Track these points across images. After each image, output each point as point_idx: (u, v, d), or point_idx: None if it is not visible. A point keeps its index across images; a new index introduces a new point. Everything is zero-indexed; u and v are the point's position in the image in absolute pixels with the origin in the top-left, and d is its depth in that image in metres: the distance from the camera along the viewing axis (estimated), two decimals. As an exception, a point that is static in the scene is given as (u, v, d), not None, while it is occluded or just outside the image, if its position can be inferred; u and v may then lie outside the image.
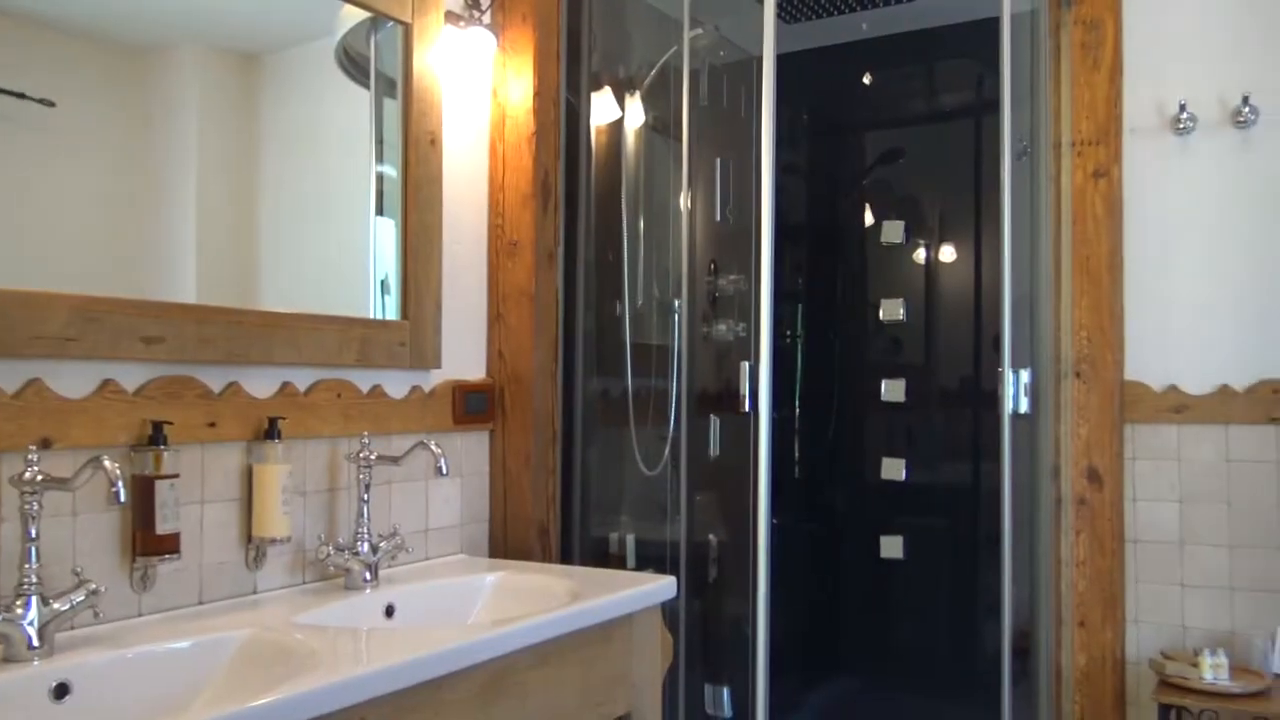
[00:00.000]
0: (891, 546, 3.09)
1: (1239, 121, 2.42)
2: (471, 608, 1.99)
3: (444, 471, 1.93)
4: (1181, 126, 2.47)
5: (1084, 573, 2.49)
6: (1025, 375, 2.30)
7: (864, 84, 3.74)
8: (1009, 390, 2.27)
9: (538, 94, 2.41)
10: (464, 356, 2.36)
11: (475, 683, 1.52)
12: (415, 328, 2.16)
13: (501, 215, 2.43)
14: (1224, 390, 2.43)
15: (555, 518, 2.43)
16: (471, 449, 2.36)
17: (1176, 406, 2.47)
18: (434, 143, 2.21)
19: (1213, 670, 2.24)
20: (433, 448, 1.94)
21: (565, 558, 2.49)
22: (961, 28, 3.21)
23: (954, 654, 3.48)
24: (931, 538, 3.46)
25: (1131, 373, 2.52)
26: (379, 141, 2.14)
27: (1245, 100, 2.40)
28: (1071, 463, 2.51)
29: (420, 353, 2.17)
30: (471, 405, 2.33)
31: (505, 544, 2.38)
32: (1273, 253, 2.40)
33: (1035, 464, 2.51)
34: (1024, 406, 2.30)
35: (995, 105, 2.31)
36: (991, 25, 2.28)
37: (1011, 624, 2.23)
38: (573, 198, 2.56)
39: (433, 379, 2.24)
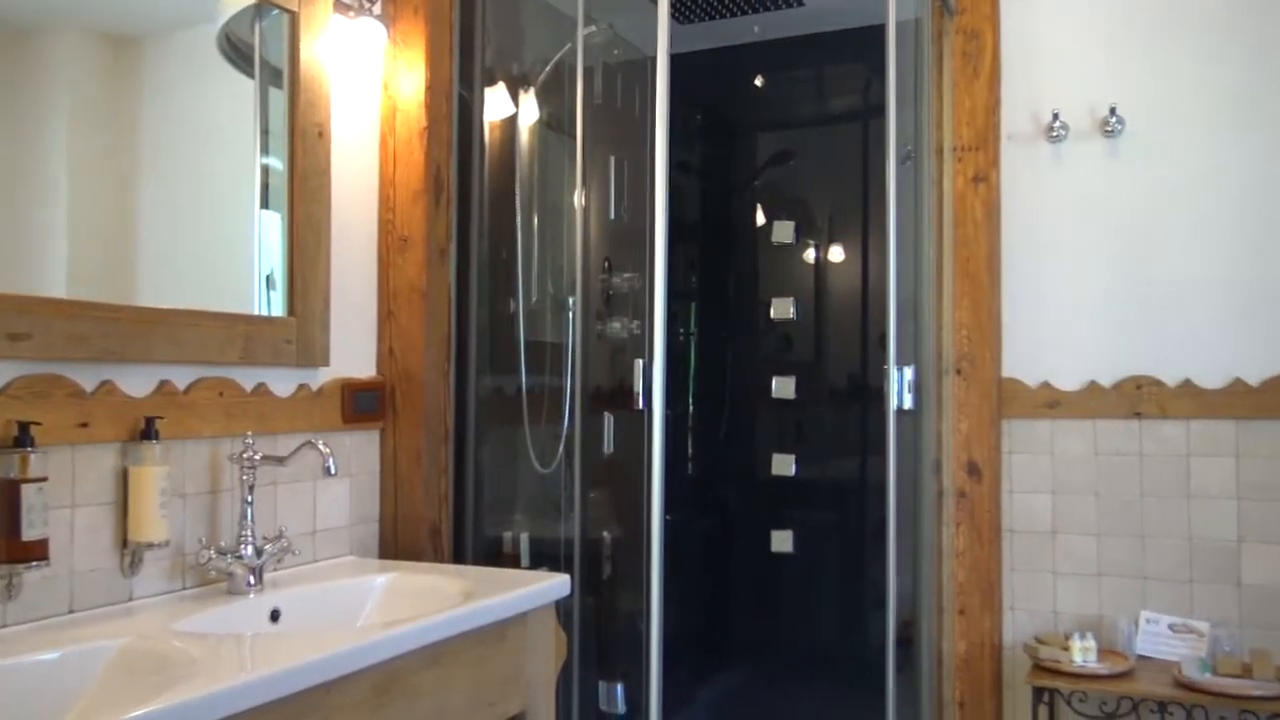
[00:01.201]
0: (782, 541, 3.15)
1: (1107, 131, 2.54)
2: (361, 610, 1.95)
3: (332, 471, 1.89)
4: (1054, 134, 2.58)
5: (964, 563, 2.59)
6: (909, 372, 2.37)
7: (756, 86, 3.80)
8: (894, 387, 2.33)
9: (430, 88, 2.38)
10: (353, 354, 2.32)
11: (365, 686, 1.49)
12: (302, 324, 2.11)
13: (392, 210, 2.38)
14: (1093, 386, 2.56)
15: (448, 517, 2.40)
16: (361, 448, 2.31)
17: (1050, 402, 2.59)
18: (322, 135, 2.16)
19: (1082, 653, 2.35)
20: (320, 447, 1.89)
21: (458, 557, 2.46)
22: (850, 33, 3.29)
23: (841, 644, 3.57)
24: (820, 531, 3.55)
25: (1008, 370, 2.63)
26: (264, 132, 2.08)
27: (1113, 111, 2.53)
28: (952, 457, 2.60)
29: (307, 350, 2.12)
30: (361, 404, 2.29)
31: (396, 545, 2.34)
32: (1137, 256, 2.53)
33: (919, 458, 2.59)
34: (908, 403, 2.37)
35: (882, 110, 2.38)
36: (878, 32, 2.34)
37: (896, 614, 2.29)
38: (465, 194, 2.54)
39: (321, 377, 2.19)
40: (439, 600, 1.83)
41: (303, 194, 2.11)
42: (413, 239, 2.36)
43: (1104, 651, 2.40)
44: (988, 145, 2.61)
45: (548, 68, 2.84)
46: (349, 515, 2.26)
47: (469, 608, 1.73)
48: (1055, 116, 2.58)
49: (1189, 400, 2.46)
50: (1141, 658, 2.41)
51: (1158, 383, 2.49)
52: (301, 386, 2.13)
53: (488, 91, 2.65)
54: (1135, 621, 2.46)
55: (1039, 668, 2.39)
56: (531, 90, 2.83)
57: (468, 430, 2.52)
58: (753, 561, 3.65)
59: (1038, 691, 2.38)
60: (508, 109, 2.74)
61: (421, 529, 2.33)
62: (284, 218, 2.10)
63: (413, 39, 2.38)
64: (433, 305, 2.38)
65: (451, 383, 2.44)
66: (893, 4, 2.29)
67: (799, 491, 3.46)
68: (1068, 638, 2.40)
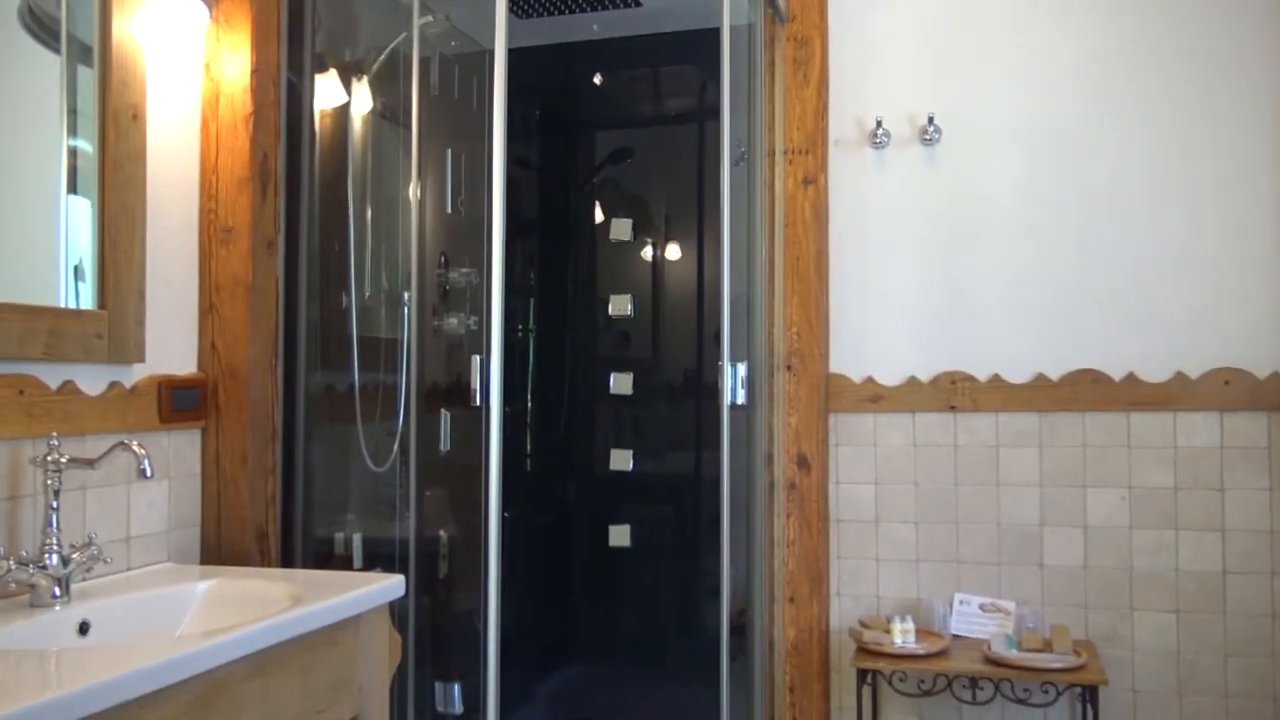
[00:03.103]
0: (619, 535, 3.19)
1: (925, 139, 2.68)
2: (180, 619, 1.86)
3: (148, 474, 1.78)
4: (878, 141, 2.71)
5: (794, 552, 2.68)
6: (742, 369, 2.43)
7: (595, 84, 3.82)
8: (728, 383, 2.39)
9: (255, 72, 2.28)
10: (172, 350, 2.20)
11: (184, 699, 1.42)
12: (115, 318, 1.98)
13: (215, 199, 2.27)
14: (912, 381, 2.69)
15: (275, 519, 2.31)
16: (180, 449, 2.20)
17: (873, 396, 2.71)
18: (136, 117, 2.04)
19: (902, 635, 2.48)
20: (135, 448, 1.79)
21: (286, 561, 2.37)
22: (686, 36, 3.35)
23: (678, 635, 3.64)
24: (657, 525, 3.60)
25: (835, 366, 2.74)
26: (72, 113, 1.94)
27: (930, 120, 2.67)
28: (783, 450, 2.69)
29: (120, 345, 1.99)
30: (180, 402, 2.17)
31: (219, 549, 2.24)
32: (952, 258, 2.69)
33: (751, 452, 2.67)
34: (741, 398, 2.44)
35: (717, 112, 2.43)
36: (713, 35, 2.38)
37: (730, 603, 2.35)
38: (294, 183, 2.44)
39: (135, 374, 2.07)
40: (265, 606, 1.76)
41: (115, 180, 1.99)
42: (237, 229, 2.26)
43: (922, 632, 2.54)
44: (816, 149, 2.71)
45: (382, 56, 2.77)
46: (167, 520, 2.15)
47: (296, 613, 1.67)
48: (879, 124, 2.70)
49: (997, 394, 2.63)
50: (956, 637, 2.56)
51: (970, 378, 2.65)
52: (114, 384, 2.01)
53: (318, 78, 2.56)
54: (950, 603, 2.61)
55: (863, 650, 2.50)
56: (365, 79, 2.75)
57: (297, 429, 2.43)
58: (591, 556, 3.67)
59: (861, 673, 2.49)
60: (340, 97, 2.65)
61: (247, 532, 2.23)
62: (94, 204, 1.97)
63: (237, 20, 2.28)
64: (259, 299, 2.28)
65: (279, 379, 2.35)
66: (727, 9, 2.34)
67: (636, 486, 3.50)
68: (889, 621, 2.52)
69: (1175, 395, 2.52)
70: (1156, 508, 2.53)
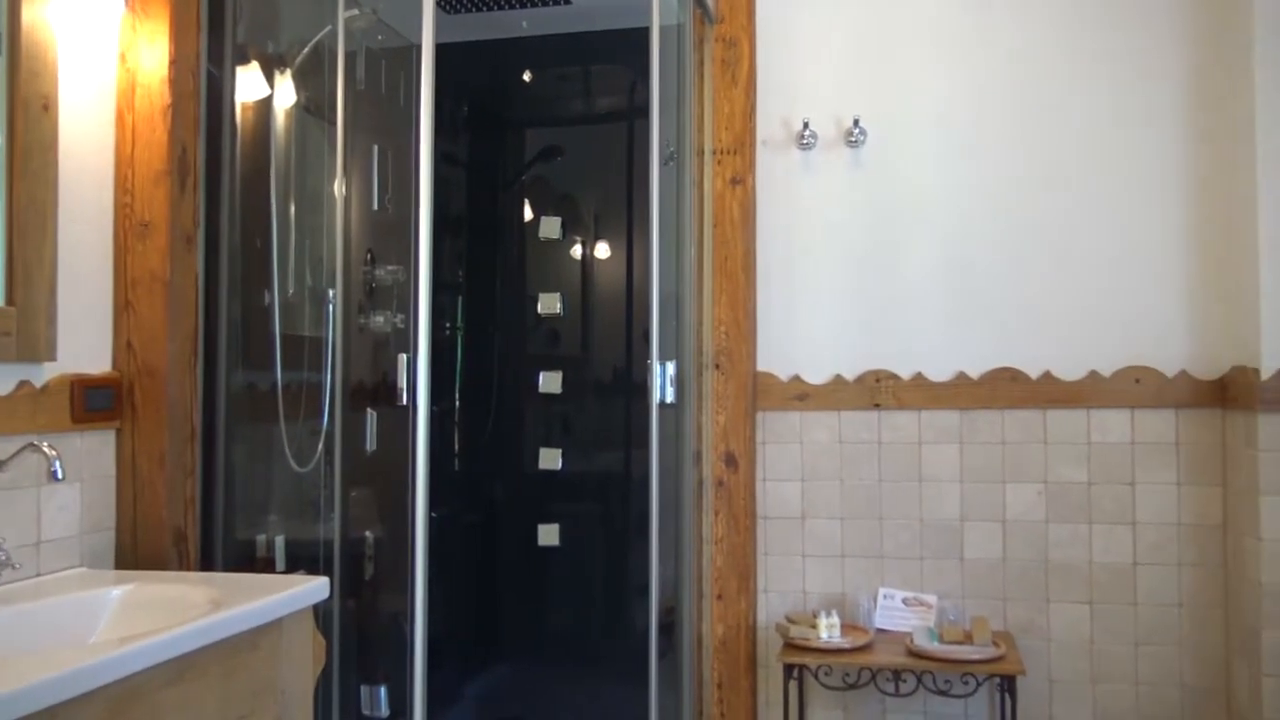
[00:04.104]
0: (548, 534, 3.18)
1: (851, 141, 2.72)
2: (95, 626, 1.80)
3: (59, 476, 1.73)
4: (805, 142, 2.74)
5: (722, 549, 2.70)
6: (671, 367, 2.45)
7: (524, 81, 3.80)
8: (657, 381, 2.40)
9: (174, 62, 2.22)
10: (85, 348, 2.13)
11: (98, 708, 1.38)
12: (24, 315, 1.91)
13: (130, 193, 2.21)
14: (838, 380, 2.73)
15: (194, 522, 2.26)
16: (94, 450, 2.13)
17: (800, 395, 2.75)
18: (47, 108, 1.97)
19: (827, 630, 2.51)
20: (45, 449, 1.73)
21: (206, 564, 2.32)
22: (616, 34, 3.35)
23: (607, 633, 3.64)
24: (586, 524, 3.60)
25: (763, 364, 2.77)
26: (-24, 102, 1.87)
27: (856, 122, 2.71)
28: (712, 448, 2.71)
29: (30, 343, 1.93)
30: (94, 401, 2.11)
31: (136, 554, 2.18)
32: (876, 258, 2.73)
33: (680, 450, 2.68)
34: (670, 396, 2.45)
35: (646, 111, 2.43)
36: (643, 35, 2.39)
37: (658, 601, 2.36)
38: (215, 178, 2.39)
39: (46, 373, 2.00)
40: (184, 611, 1.72)
41: (24, 172, 1.92)
42: (155, 224, 2.20)
43: (847, 627, 2.58)
44: (745, 149, 2.74)
45: (306, 49, 2.72)
46: (80, 523, 2.08)
47: (216, 617, 1.63)
48: (806, 125, 2.73)
49: (920, 392, 2.69)
50: (880, 631, 2.61)
51: (894, 376, 2.70)
52: (23, 384, 1.94)
53: (240, 70, 2.51)
54: (874, 598, 2.66)
55: (789, 645, 2.53)
56: (289, 72, 2.69)
57: (217, 429, 2.38)
58: (520, 556, 3.65)
59: (788, 668, 2.52)
60: (262, 90, 2.60)
61: (164, 536, 2.18)
62: (1, 197, 1.90)
63: (154, 9, 2.22)
64: (177, 295, 2.23)
65: (199, 378, 2.29)
66: (656, 9, 2.35)
67: (565, 485, 3.50)
68: (815, 616, 2.56)
69: (1089, 393, 2.60)
70: (1071, 502, 2.61)
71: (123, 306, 2.21)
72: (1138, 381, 2.58)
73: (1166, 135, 2.59)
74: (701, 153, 2.74)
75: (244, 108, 2.53)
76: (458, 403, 3.69)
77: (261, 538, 2.57)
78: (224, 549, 2.38)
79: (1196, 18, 2.58)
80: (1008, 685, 2.44)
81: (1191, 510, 2.55)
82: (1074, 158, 2.64)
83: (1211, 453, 2.54)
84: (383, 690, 2.77)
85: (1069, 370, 2.62)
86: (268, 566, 2.56)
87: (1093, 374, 2.60)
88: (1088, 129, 2.63)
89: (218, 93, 2.41)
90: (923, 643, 2.47)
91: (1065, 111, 2.64)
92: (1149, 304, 2.59)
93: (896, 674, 2.51)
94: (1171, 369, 2.57)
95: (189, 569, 2.23)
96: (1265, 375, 2.33)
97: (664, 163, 2.52)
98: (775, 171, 2.78)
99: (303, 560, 2.61)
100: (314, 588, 1.89)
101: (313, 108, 2.76)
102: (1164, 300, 2.59)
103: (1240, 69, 2.45)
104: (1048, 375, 2.63)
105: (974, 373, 2.67)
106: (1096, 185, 2.62)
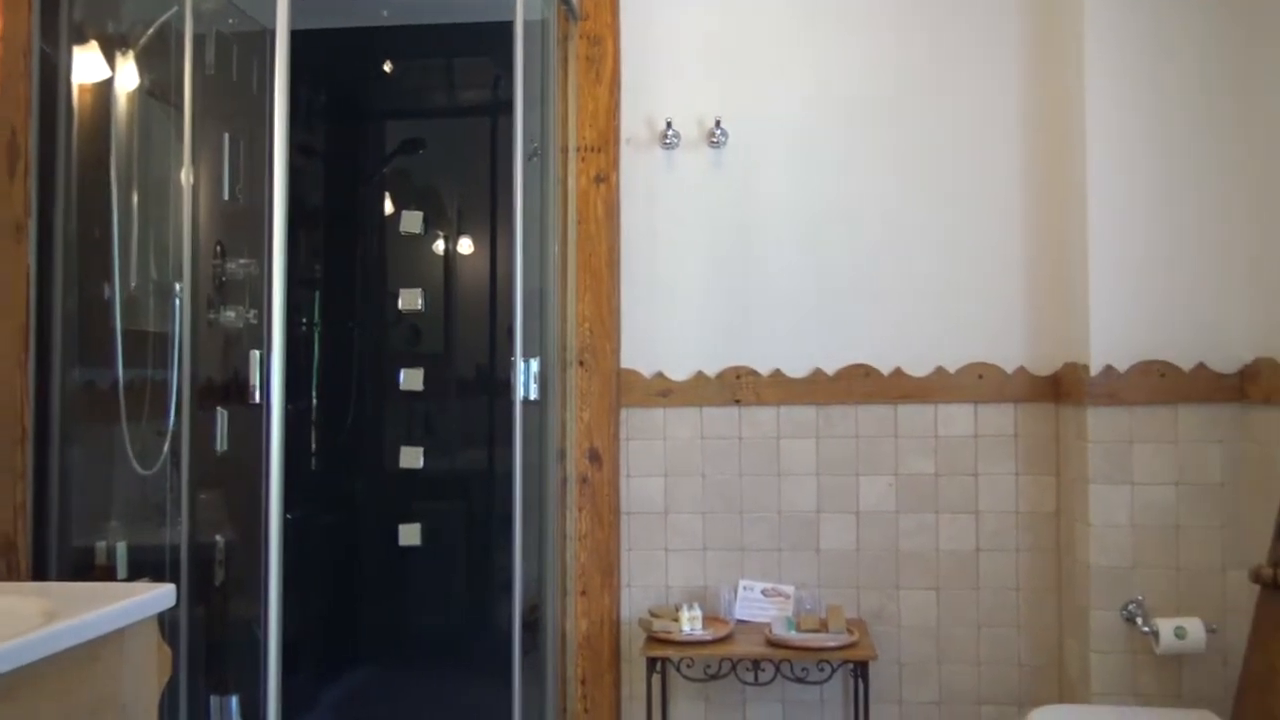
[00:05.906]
0: (410, 534, 3.12)
1: (713, 141, 2.77)
2: (-89, 642, 1.67)
3: None
4: (668, 142, 2.77)
5: (586, 545, 2.71)
6: (535, 364, 2.44)
7: (385, 71, 3.71)
8: (520, 378, 2.39)
9: (2, 40, 2.08)
10: (-100, 343, 1.98)
11: (-85, 731, 1.29)
12: None
13: (-47, 177, 2.06)
14: (699, 376, 2.78)
15: (25, 529, 2.12)
16: (-89, 454, 1.98)
17: (663, 391, 2.78)
18: None
19: (689, 622, 2.55)
20: None
21: (39, 574, 2.19)
22: (480, 27, 3.31)
23: (471, 632, 3.61)
24: (449, 522, 3.56)
25: (627, 361, 2.79)
26: None
27: (718, 123, 2.76)
28: (576, 445, 2.72)
29: None
30: (-89, 402, 1.96)
31: (-41, 563, 2.04)
32: (737, 257, 2.79)
33: (544, 447, 2.68)
34: (534, 393, 2.44)
35: (510, 106, 2.42)
36: (506, 28, 2.37)
37: (522, 598, 2.35)
38: (48, 164, 2.25)
39: None
40: (13, 624, 1.61)
41: None
42: (-20, 212, 2.06)
43: (709, 619, 2.63)
44: (609, 147, 2.75)
45: (150, 30, 2.59)
46: (-106, 533, 1.93)
47: (49, 630, 1.54)
48: (669, 125, 2.76)
49: (779, 388, 2.76)
50: (740, 622, 2.67)
51: (754, 373, 2.76)
52: None
53: (77, 50, 2.37)
54: (735, 590, 2.72)
55: (652, 639, 2.56)
56: (131, 54, 2.56)
57: (51, 430, 2.24)
58: (380, 556, 3.58)
59: (651, 661, 2.55)
60: (102, 72, 2.46)
61: (-8, 544, 2.04)
62: None
63: (-21, -18, 2.08)
64: (6, 288, 2.09)
65: (30, 376, 2.16)
66: (520, 3, 2.34)
67: (428, 483, 3.44)
68: (678, 609, 2.59)
69: (936, 388, 2.72)
70: (920, 493, 2.73)
71: (-56, 299, 2.06)
72: (981, 377, 2.71)
73: (1005, 145, 2.73)
74: (566, 149, 2.74)
75: (81, 90, 2.39)
76: (315, 401, 3.59)
77: (101, 544, 2.44)
78: (59, 557, 2.25)
79: (1034, 18, 2.72)
80: (861, 670, 2.53)
81: (1028, 499, 2.70)
82: (920, 164, 2.75)
83: (1046, 444, 2.70)
84: (234, 700, 2.67)
85: (918, 366, 2.73)
86: (108, 575, 2.43)
87: (939, 370, 2.72)
88: (933, 137, 2.74)
89: (52, 73, 2.27)
90: (781, 632, 2.54)
91: (911, 119, 2.75)
92: (991, 304, 2.73)
93: (756, 664, 2.57)
94: (1011, 365, 2.71)
95: (20, 579, 2.10)
96: (1094, 371, 2.48)
97: (528, 158, 2.50)
98: (639, 170, 2.80)
99: (147, 567, 2.49)
100: (157, 596, 1.80)
101: (158, 92, 2.63)
102: (1004, 301, 2.73)
103: (1074, 79, 2.60)
104: (898, 371, 2.73)
105: (830, 369, 2.75)
106: (941, 190, 2.74)
